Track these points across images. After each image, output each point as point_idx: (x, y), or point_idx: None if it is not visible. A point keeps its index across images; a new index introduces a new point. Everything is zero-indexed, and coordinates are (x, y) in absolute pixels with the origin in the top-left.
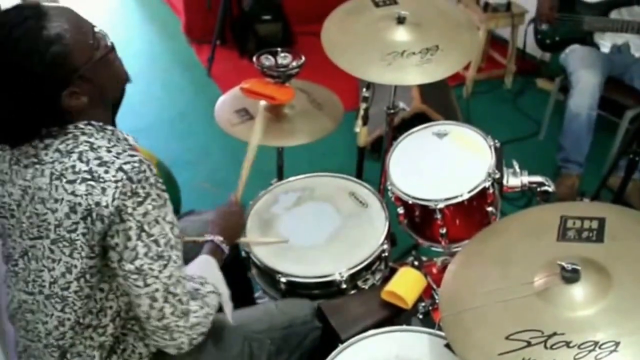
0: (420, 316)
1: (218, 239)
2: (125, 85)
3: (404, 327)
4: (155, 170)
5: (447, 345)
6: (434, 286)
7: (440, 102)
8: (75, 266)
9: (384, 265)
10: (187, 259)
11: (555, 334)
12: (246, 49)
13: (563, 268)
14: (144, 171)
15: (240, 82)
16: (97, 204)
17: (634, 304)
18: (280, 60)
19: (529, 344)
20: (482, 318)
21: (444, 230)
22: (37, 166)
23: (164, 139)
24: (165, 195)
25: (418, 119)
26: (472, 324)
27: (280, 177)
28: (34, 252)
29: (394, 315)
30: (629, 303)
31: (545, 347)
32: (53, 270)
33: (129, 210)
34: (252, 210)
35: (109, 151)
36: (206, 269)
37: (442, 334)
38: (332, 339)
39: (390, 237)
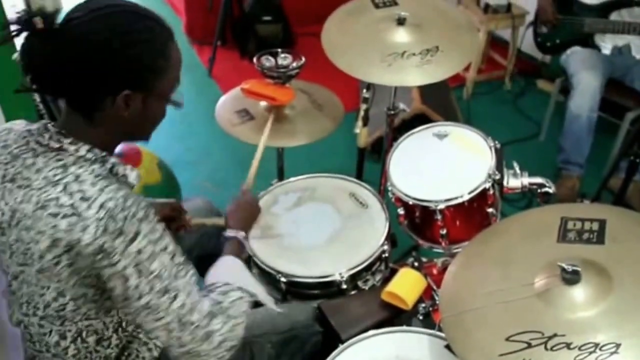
0: (421, 317)
1: (241, 234)
2: (153, 129)
3: (404, 327)
4: (146, 204)
5: (448, 346)
6: (434, 287)
7: (440, 103)
8: (67, 289)
9: (384, 266)
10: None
11: (555, 335)
12: (247, 49)
13: (563, 269)
14: (130, 207)
15: (241, 83)
16: (78, 241)
17: (634, 306)
18: (280, 61)
19: (530, 345)
20: (482, 319)
21: (444, 231)
22: (27, 190)
23: (165, 139)
24: (160, 226)
25: (418, 119)
26: (472, 325)
27: (281, 177)
28: (24, 277)
29: (394, 316)
30: (629, 305)
31: (546, 348)
32: (44, 296)
33: (119, 250)
34: None
35: (94, 185)
36: (233, 273)
37: (443, 334)
38: (332, 339)
39: (391, 238)
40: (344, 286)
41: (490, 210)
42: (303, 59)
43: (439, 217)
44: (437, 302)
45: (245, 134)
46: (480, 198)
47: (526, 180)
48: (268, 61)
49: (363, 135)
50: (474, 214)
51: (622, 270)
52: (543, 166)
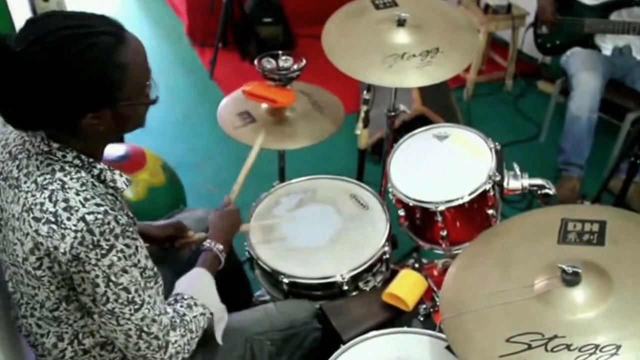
0: (421, 318)
1: (218, 247)
2: (138, 126)
3: (405, 328)
4: (126, 220)
5: (448, 347)
6: (435, 288)
7: (440, 104)
8: (53, 292)
9: (385, 267)
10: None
11: (556, 336)
12: (247, 51)
13: (564, 271)
14: (108, 223)
15: (242, 85)
16: (56, 248)
17: (635, 307)
18: (281, 63)
19: (530, 347)
20: (482, 320)
21: (444, 233)
22: (16, 191)
23: (169, 140)
24: (136, 243)
25: (418, 121)
26: (472, 326)
27: (282, 179)
28: (16, 278)
29: (395, 317)
30: (630, 306)
31: (546, 349)
32: (37, 296)
33: (92, 261)
34: (254, 212)
35: (78, 194)
36: (199, 286)
37: (443, 336)
38: (333, 340)
39: (391, 239)
40: (345, 287)
41: (490, 211)
42: (304, 60)
43: (439, 218)
44: (438, 303)
45: (246, 136)
46: (481, 199)
47: (526, 181)
48: (269, 63)
49: (364, 136)
50: (474, 216)
51: (622, 271)
52: (543, 167)
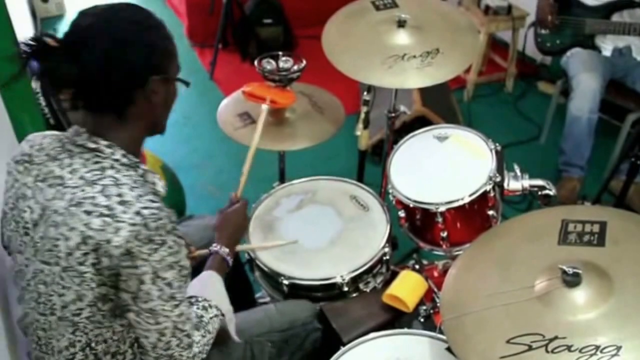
0: (422, 319)
1: (224, 251)
2: (168, 116)
3: (405, 330)
4: (173, 218)
5: (448, 349)
6: (435, 289)
7: (441, 105)
8: (86, 295)
9: (385, 268)
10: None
11: (556, 337)
12: (248, 52)
13: (564, 272)
14: (162, 219)
15: (242, 86)
16: (108, 241)
17: (635, 308)
18: (281, 64)
19: (530, 348)
20: (483, 321)
21: (445, 234)
22: (60, 188)
23: (169, 142)
24: (182, 241)
25: (419, 122)
26: (473, 327)
27: (282, 180)
28: (43, 277)
29: (395, 318)
30: (630, 307)
31: (547, 350)
32: (64, 296)
33: (144, 256)
34: (254, 213)
35: (132, 190)
36: (211, 288)
37: (443, 337)
38: (333, 342)
39: (392, 241)
40: (346, 288)
41: (491, 212)
42: (304, 61)
43: (439, 219)
44: (438, 304)
45: (247, 137)
46: (481, 200)
47: (527, 182)
48: (269, 64)
49: (364, 137)
50: (474, 217)
51: (622, 272)
52: (544, 168)
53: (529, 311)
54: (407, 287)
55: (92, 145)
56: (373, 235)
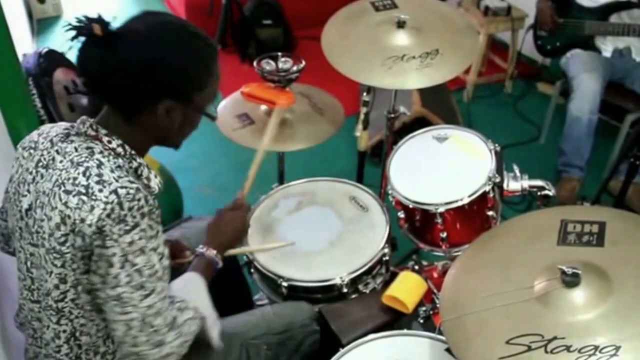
0: (421, 320)
1: (210, 253)
2: (184, 139)
3: (405, 331)
4: (153, 202)
5: (448, 350)
6: (435, 290)
7: (440, 106)
8: (69, 275)
9: (385, 269)
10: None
11: (555, 338)
12: (247, 53)
13: (563, 272)
14: (139, 200)
15: (241, 87)
16: (82, 220)
17: (634, 309)
18: (280, 65)
19: (530, 349)
20: (482, 322)
21: (444, 235)
22: (50, 170)
23: None
24: (158, 227)
25: (418, 123)
26: (472, 328)
27: (281, 181)
28: (34, 260)
29: (395, 320)
30: (629, 307)
31: (546, 351)
32: (47, 282)
33: (114, 236)
34: (253, 215)
35: (112, 172)
36: (190, 290)
37: (443, 338)
38: (333, 343)
39: (391, 242)
40: (345, 290)
41: (490, 213)
42: (303, 62)
43: (439, 220)
44: (438, 305)
45: (245, 138)
46: (481, 201)
47: (526, 183)
48: (268, 65)
49: (363, 138)
50: (474, 217)
51: (622, 272)
52: (543, 169)
53: (528, 312)
54: (406, 288)
55: (92, 133)
56: (372, 236)
